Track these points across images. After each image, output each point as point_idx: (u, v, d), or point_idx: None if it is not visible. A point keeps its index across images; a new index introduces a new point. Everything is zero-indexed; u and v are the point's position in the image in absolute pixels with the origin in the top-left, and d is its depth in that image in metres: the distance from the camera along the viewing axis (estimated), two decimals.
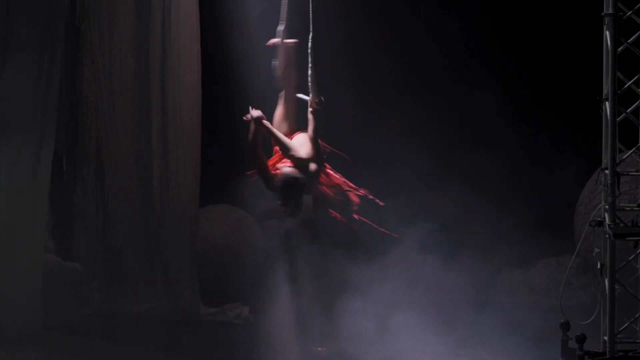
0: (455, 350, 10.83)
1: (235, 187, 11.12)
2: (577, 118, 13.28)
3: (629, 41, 8.94)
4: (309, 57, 9.31)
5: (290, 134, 9.61)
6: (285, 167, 9.40)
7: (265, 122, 9.37)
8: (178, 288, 12.52)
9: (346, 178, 9.79)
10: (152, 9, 12.56)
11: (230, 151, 13.16)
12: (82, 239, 12.61)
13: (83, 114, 12.57)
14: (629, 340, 9.03)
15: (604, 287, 8.83)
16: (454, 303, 12.09)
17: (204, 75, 12.72)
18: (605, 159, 8.88)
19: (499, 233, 12.69)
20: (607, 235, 8.78)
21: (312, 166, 9.37)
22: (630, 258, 9.08)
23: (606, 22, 8.87)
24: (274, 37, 9.78)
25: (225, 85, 13.01)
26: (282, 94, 9.70)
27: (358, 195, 9.65)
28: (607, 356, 8.79)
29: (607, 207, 8.81)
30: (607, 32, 8.86)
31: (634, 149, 9.03)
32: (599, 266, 8.88)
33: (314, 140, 9.39)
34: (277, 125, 9.55)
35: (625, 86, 8.95)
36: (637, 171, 9.37)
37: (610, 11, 8.80)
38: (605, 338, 8.84)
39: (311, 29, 9.27)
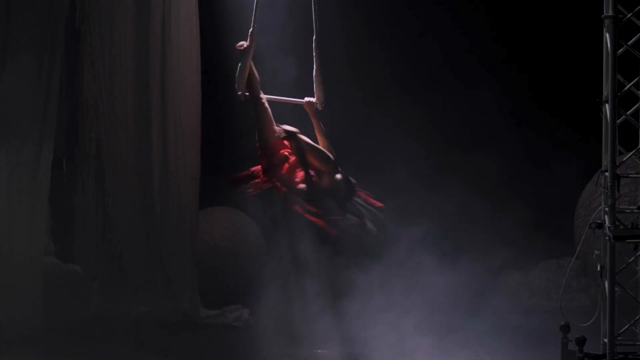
0: (455, 352, 10.84)
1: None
2: (577, 120, 13.27)
3: (628, 43, 8.94)
4: (314, 58, 9.30)
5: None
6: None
7: (302, 136, 9.21)
8: (178, 290, 12.52)
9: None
10: (152, 11, 12.56)
11: (231, 152, 13.17)
12: (82, 240, 12.59)
13: (83, 115, 12.56)
14: (629, 342, 9.03)
15: (604, 290, 8.82)
16: (454, 305, 12.08)
17: (204, 76, 12.72)
18: (605, 161, 8.87)
19: (498, 235, 12.68)
20: (607, 238, 8.77)
21: (338, 176, 9.27)
22: (630, 260, 9.08)
23: (606, 25, 8.86)
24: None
25: (225, 86, 13.00)
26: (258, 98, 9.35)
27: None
28: (607, 358, 8.79)
29: (607, 209, 8.80)
30: (607, 35, 8.86)
31: (633, 151, 9.03)
32: (598, 268, 8.88)
33: (326, 137, 9.34)
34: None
35: (625, 88, 8.94)
36: (637, 173, 9.38)
37: (610, 13, 8.80)
38: (605, 340, 8.83)
39: (315, 31, 9.26)
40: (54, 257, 12.23)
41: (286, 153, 9.19)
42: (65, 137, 12.61)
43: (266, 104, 9.16)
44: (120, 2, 12.56)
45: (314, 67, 9.30)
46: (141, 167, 12.62)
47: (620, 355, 8.84)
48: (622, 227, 8.80)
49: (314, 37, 9.28)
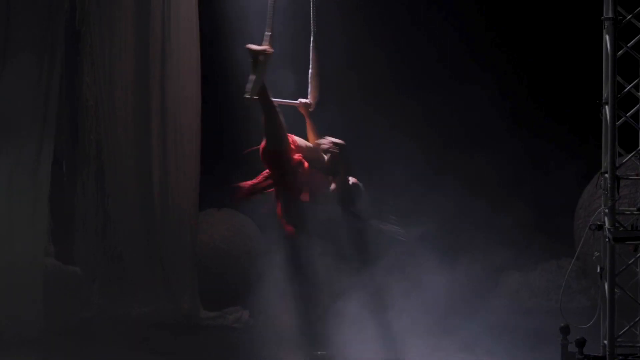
0: (455, 353, 10.83)
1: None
2: (576, 121, 13.27)
3: (628, 45, 8.94)
4: (311, 58, 9.26)
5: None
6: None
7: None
8: (178, 291, 12.52)
9: None
10: (152, 11, 12.56)
11: (231, 153, 13.17)
12: (82, 242, 12.59)
13: (83, 116, 12.56)
14: (629, 344, 9.03)
15: (604, 291, 8.83)
16: (453, 306, 12.08)
17: (204, 77, 12.71)
18: (605, 163, 8.88)
19: (498, 235, 12.68)
20: (607, 239, 8.78)
21: (333, 186, 9.19)
22: (630, 262, 9.08)
23: (606, 26, 8.86)
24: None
25: (225, 87, 13.00)
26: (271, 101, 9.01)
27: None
28: None
29: (606, 210, 8.81)
30: (607, 36, 8.86)
31: (633, 153, 9.03)
32: (598, 270, 8.88)
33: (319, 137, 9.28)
34: None
35: (625, 90, 8.95)
36: (637, 175, 9.38)
37: (610, 15, 8.80)
38: (605, 342, 8.83)
39: (312, 31, 9.23)
40: (53, 259, 12.22)
41: (299, 158, 8.97)
42: (65, 138, 12.61)
43: (279, 108, 8.88)
44: (120, 2, 12.56)
45: (310, 67, 9.27)
46: (141, 167, 12.63)
47: (620, 357, 8.85)
48: (622, 228, 8.81)
49: (312, 38, 9.26)
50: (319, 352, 11.07)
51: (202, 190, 12.73)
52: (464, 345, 11.03)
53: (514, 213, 13.09)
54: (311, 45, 9.27)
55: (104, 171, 12.57)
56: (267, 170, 8.99)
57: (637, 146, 9.05)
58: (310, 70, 9.27)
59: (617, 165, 8.82)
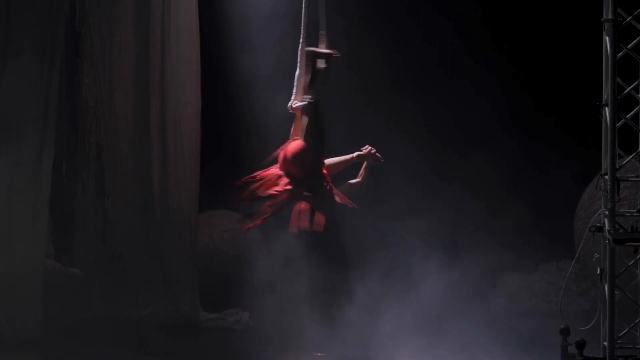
0: (454, 354, 10.84)
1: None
2: (576, 122, 13.26)
3: (628, 47, 8.94)
4: (298, 58, 8.79)
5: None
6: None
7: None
8: (178, 293, 12.51)
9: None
10: (152, 11, 12.56)
11: (231, 154, 13.17)
12: (82, 243, 12.59)
13: (83, 118, 12.56)
14: (629, 345, 9.03)
15: (604, 293, 8.82)
16: (453, 307, 12.08)
17: (204, 78, 12.71)
18: (605, 165, 8.87)
19: (498, 237, 12.67)
20: (607, 241, 8.77)
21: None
22: (630, 264, 9.07)
23: (606, 28, 8.86)
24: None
25: (225, 87, 13.00)
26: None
27: None
28: None
29: (606, 212, 8.80)
30: (607, 38, 8.85)
31: (633, 155, 9.02)
32: (598, 272, 8.87)
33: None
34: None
35: (625, 92, 8.94)
36: (637, 177, 9.37)
37: (610, 17, 8.79)
38: (605, 344, 8.82)
39: (302, 33, 8.84)
40: (54, 261, 12.21)
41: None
42: (65, 138, 12.61)
43: None
44: (120, 3, 12.56)
45: (297, 68, 8.88)
46: (141, 168, 12.62)
47: (620, 359, 8.84)
48: (621, 230, 8.80)
49: (301, 38, 8.74)
50: (319, 354, 11.08)
51: (202, 192, 12.72)
52: (463, 346, 11.03)
53: (514, 214, 13.09)
54: (300, 45, 8.91)
55: (104, 172, 12.58)
56: (282, 179, 8.30)
57: (637, 148, 9.04)
58: (297, 71, 8.85)
59: (617, 167, 8.82)
